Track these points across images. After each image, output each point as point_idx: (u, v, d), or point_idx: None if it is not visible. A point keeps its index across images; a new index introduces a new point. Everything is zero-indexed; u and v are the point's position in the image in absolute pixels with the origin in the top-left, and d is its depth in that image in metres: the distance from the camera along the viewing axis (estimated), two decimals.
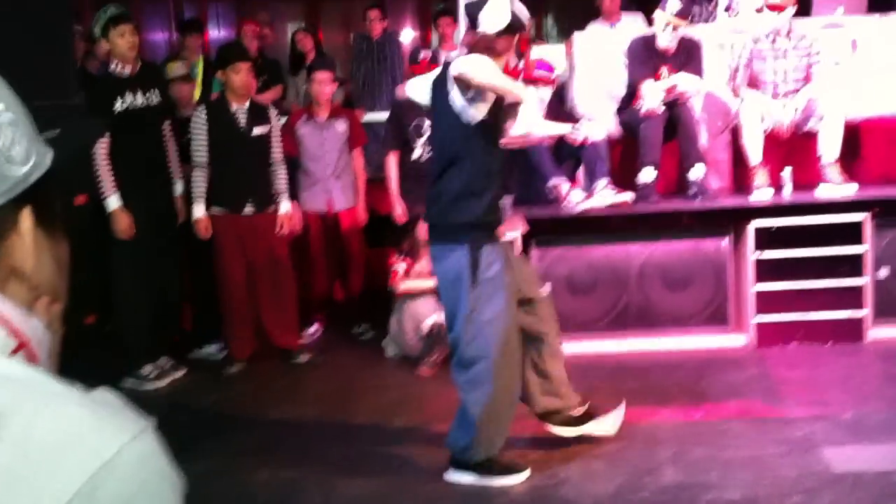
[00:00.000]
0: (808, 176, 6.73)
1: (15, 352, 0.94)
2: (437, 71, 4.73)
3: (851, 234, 6.23)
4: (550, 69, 6.82)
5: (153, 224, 6.17)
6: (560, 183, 6.53)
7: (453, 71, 4.22)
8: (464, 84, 4.20)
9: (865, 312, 6.25)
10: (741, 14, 7.87)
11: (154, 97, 6.27)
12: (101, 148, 5.95)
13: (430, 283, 5.87)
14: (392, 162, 6.99)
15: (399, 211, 6.95)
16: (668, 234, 6.46)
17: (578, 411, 4.73)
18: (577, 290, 6.46)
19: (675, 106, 6.74)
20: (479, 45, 4.32)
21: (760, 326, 6.27)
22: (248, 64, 6.47)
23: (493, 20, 4.29)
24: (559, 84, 7.35)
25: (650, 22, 7.33)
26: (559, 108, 7.02)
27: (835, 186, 6.55)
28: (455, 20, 8.56)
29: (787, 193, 6.67)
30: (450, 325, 4.48)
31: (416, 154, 6.91)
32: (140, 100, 6.16)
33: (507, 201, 5.99)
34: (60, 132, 1.06)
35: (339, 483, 4.53)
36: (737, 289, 6.45)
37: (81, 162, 5.72)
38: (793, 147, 6.90)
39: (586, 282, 6.47)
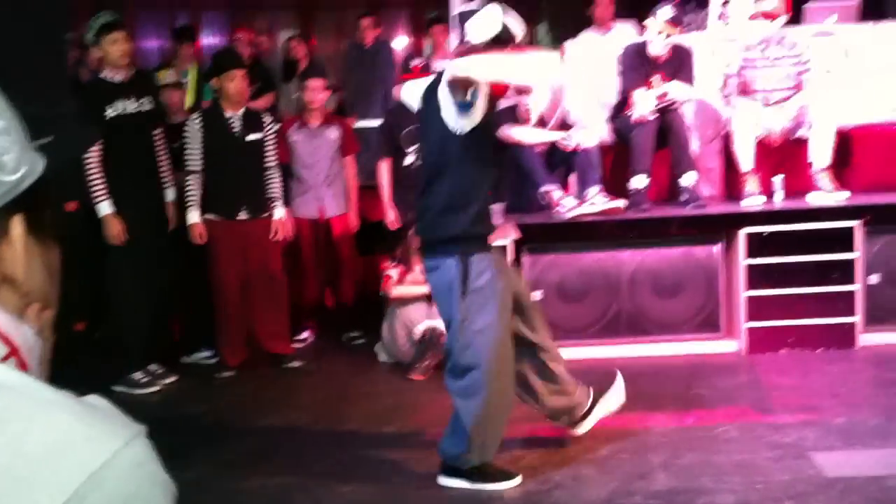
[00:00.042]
0: (800, 183, 6.75)
1: (5, 359, 0.93)
2: (431, 77, 4.71)
3: (842, 240, 6.24)
4: None
5: (145, 230, 6.16)
6: (552, 189, 6.53)
7: (448, 76, 4.19)
8: (462, 87, 4.13)
9: (857, 319, 6.26)
10: (733, 22, 7.89)
11: (146, 104, 6.27)
12: (93, 154, 5.95)
13: (422, 288, 5.88)
14: (384, 169, 7.00)
15: (391, 217, 6.96)
16: (659, 240, 6.47)
17: (585, 406, 4.73)
18: (569, 296, 6.47)
19: (666, 113, 6.76)
20: (468, 55, 4.29)
21: (752, 332, 6.28)
22: (242, 71, 6.48)
23: (480, 30, 4.26)
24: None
25: (642, 30, 7.35)
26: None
27: (826, 193, 6.56)
28: (448, 28, 8.57)
29: (779, 200, 6.69)
30: (447, 328, 4.51)
31: (408, 161, 6.92)
32: (132, 107, 6.17)
33: (497, 208, 6.00)
34: (52, 139, 1.06)
35: (331, 489, 4.52)
36: (728, 295, 6.46)
37: (73, 169, 5.71)
38: (784, 154, 6.93)
39: (578, 288, 6.48)
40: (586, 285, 6.47)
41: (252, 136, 6.46)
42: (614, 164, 7.17)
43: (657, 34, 6.84)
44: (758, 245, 6.27)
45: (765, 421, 5.00)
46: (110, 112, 6.08)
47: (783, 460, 4.46)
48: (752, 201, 6.62)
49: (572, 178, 6.94)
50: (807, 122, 6.75)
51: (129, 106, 6.15)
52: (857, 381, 5.75)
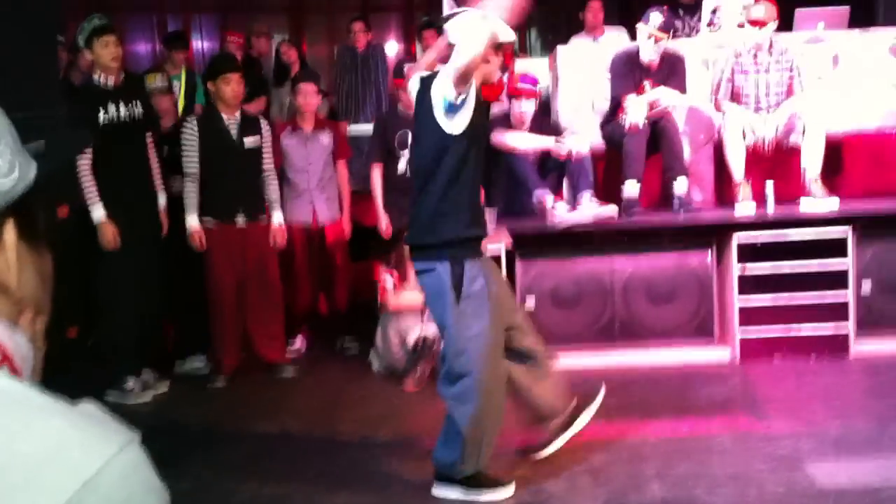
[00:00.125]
0: (791, 190, 6.77)
1: None
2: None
3: (834, 248, 6.26)
4: (534, 82, 6.84)
5: (137, 236, 6.14)
6: (544, 196, 6.53)
7: (443, 79, 4.17)
8: (464, 80, 4.11)
9: (849, 327, 6.28)
10: (723, 29, 7.91)
11: (137, 109, 6.25)
12: (85, 159, 5.93)
13: (420, 298, 5.87)
14: (377, 174, 7.00)
15: (384, 223, 6.95)
16: (652, 247, 6.48)
17: (563, 417, 4.72)
18: (562, 303, 6.47)
19: (658, 120, 6.78)
20: (446, 52, 4.28)
21: (744, 340, 6.29)
22: (237, 75, 6.47)
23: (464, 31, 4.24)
24: (543, 97, 7.38)
25: (633, 36, 7.36)
26: (543, 121, 7.04)
27: (817, 201, 6.58)
28: (440, 33, 8.57)
29: (770, 207, 6.71)
30: (440, 334, 4.51)
31: (400, 166, 6.92)
32: (123, 111, 6.14)
33: (490, 215, 6.00)
34: (45, 144, 1.05)
35: (324, 497, 4.51)
36: (721, 302, 6.47)
37: (64, 173, 5.69)
38: (775, 161, 6.95)
39: (571, 295, 6.48)
40: (579, 292, 6.47)
41: (249, 141, 6.46)
42: (606, 170, 7.18)
43: (647, 40, 6.86)
44: (750, 252, 6.28)
45: (758, 431, 5.01)
46: (102, 116, 6.06)
47: (777, 471, 4.46)
48: (744, 208, 6.63)
49: (564, 185, 6.95)
50: (798, 128, 6.76)
51: (120, 111, 6.13)
52: (851, 389, 5.77)
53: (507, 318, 4.49)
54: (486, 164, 4.63)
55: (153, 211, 6.35)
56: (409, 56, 10.85)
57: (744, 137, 6.84)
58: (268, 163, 6.58)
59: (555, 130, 6.87)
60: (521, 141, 6.65)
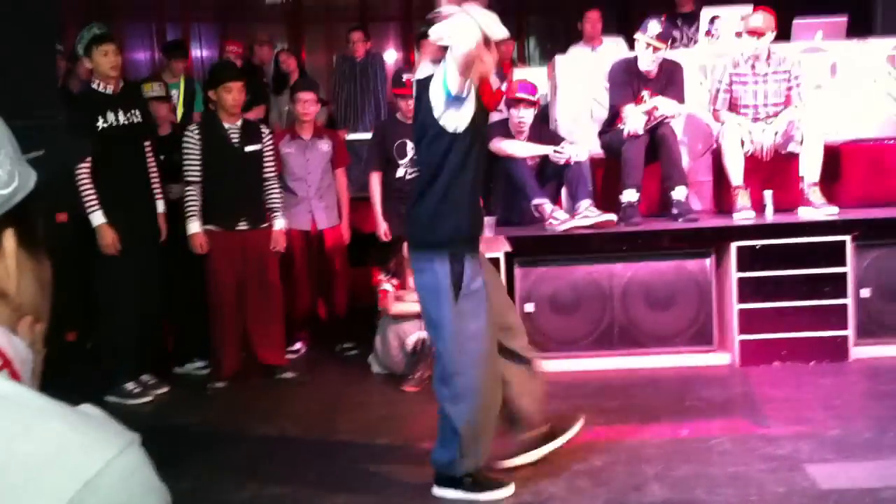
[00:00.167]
0: (790, 198, 6.79)
1: None
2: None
3: (833, 254, 6.27)
4: (533, 91, 6.86)
5: (136, 241, 6.15)
6: (543, 203, 6.55)
7: (445, 73, 4.15)
8: (462, 70, 4.08)
9: (849, 332, 6.28)
10: (721, 38, 7.95)
11: (135, 116, 6.27)
12: (84, 166, 5.94)
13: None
14: (375, 181, 7.01)
15: (383, 229, 6.97)
16: (651, 254, 6.48)
17: (534, 435, 4.70)
18: (561, 309, 6.47)
19: (657, 128, 6.80)
20: (438, 55, 4.29)
21: (744, 345, 6.29)
22: (239, 83, 6.48)
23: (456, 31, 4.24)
24: (542, 106, 7.41)
25: (632, 46, 7.39)
26: (542, 129, 7.06)
27: (816, 208, 6.60)
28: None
29: (769, 215, 6.72)
30: (433, 338, 4.47)
31: (399, 173, 6.93)
32: (122, 119, 6.16)
33: (488, 222, 6.00)
34: (44, 152, 1.06)
35: (324, 499, 4.50)
36: (720, 308, 6.48)
37: (63, 180, 5.70)
38: (774, 169, 6.97)
39: (570, 301, 6.48)
40: (578, 298, 6.48)
41: (251, 147, 6.48)
42: (605, 178, 7.20)
43: (646, 49, 6.89)
44: (749, 258, 6.29)
45: (758, 433, 5.01)
46: (101, 123, 6.08)
47: (777, 472, 4.46)
48: (743, 216, 6.65)
49: (563, 193, 6.97)
50: (796, 137, 6.79)
51: (119, 118, 6.15)
52: (851, 393, 5.77)
53: (502, 318, 4.49)
54: (487, 162, 4.62)
55: (152, 216, 6.36)
56: (407, 65, 10.88)
57: (742, 146, 6.86)
58: (269, 169, 6.60)
59: (553, 139, 6.89)
60: (520, 149, 6.67)
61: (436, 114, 4.23)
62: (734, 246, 6.28)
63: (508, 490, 4.41)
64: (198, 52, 12.37)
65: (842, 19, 7.81)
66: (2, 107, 1.01)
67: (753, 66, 7.00)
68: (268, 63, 9.99)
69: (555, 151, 6.64)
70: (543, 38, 13.54)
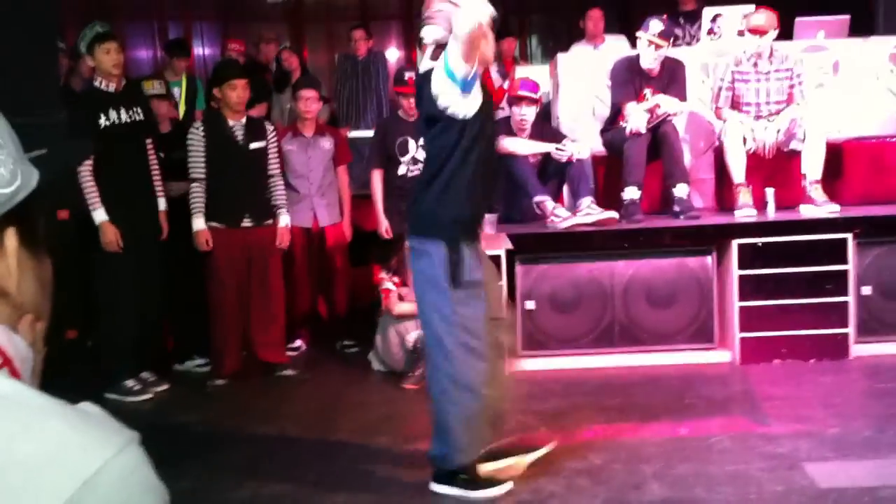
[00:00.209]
0: (791, 196, 6.79)
1: None
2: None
3: (835, 252, 6.27)
4: (535, 89, 6.86)
5: (137, 239, 6.16)
6: (545, 200, 6.55)
7: (449, 59, 4.11)
8: (468, 52, 4.04)
9: (849, 329, 6.28)
10: (724, 37, 7.93)
11: (137, 114, 6.27)
12: (86, 164, 5.95)
13: None
14: (377, 179, 7.01)
15: (384, 227, 6.97)
16: (652, 251, 6.48)
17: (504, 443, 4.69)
18: (562, 306, 6.47)
19: (659, 126, 6.80)
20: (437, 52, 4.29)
21: (744, 343, 6.29)
22: (244, 81, 6.49)
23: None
24: (544, 104, 7.41)
25: (634, 44, 7.39)
26: (544, 127, 7.06)
27: (817, 206, 6.60)
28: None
29: (771, 212, 6.72)
30: (425, 323, 4.44)
31: (400, 171, 6.93)
32: (124, 117, 6.17)
33: (490, 218, 6.00)
34: (47, 152, 1.06)
35: (323, 498, 4.50)
36: (721, 306, 6.47)
37: (66, 180, 5.70)
38: (775, 167, 6.96)
39: (571, 298, 6.48)
40: (579, 295, 6.48)
41: (255, 145, 6.49)
42: (606, 176, 7.20)
43: (647, 47, 6.88)
44: (750, 256, 6.28)
45: (758, 431, 5.01)
46: (103, 121, 6.09)
47: (776, 471, 4.45)
48: (745, 213, 6.65)
49: (565, 190, 6.97)
50: (798, 135, 6.78)
51: (121, 116, 6.15)
52: (850, 391, 5.77)
53: (493, 310, 4.49)
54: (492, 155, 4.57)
55: (154, 213, 6.37)
56: (409, 63, 10.89)
57: (744, 144, 6.85)
58: (274, 166, 6.60)
59: (555, 136, 6.89)
60: (522, 146, 6.68)
61: (442, 103, 4.19)
62: (735, 243, 6.27)
63: (505, 488, 4.40)
64: (200, 51, 12.36)
65: (844, 18, 7.80)
66: (3, 105, 1.01)
67: (756, 65, 6.99)
68: (272, 61, 10.00)
69: (556, 149, 6.64)
70: (545, 37, 13.54)
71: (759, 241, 6.28)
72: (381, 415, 5.71)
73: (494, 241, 6.14)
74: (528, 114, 6.77)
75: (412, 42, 11.97)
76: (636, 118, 6.78)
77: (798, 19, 7.75)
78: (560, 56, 8.01)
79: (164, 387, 6.37)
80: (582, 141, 6.86)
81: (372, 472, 4.79)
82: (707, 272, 6.48)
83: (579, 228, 6.42)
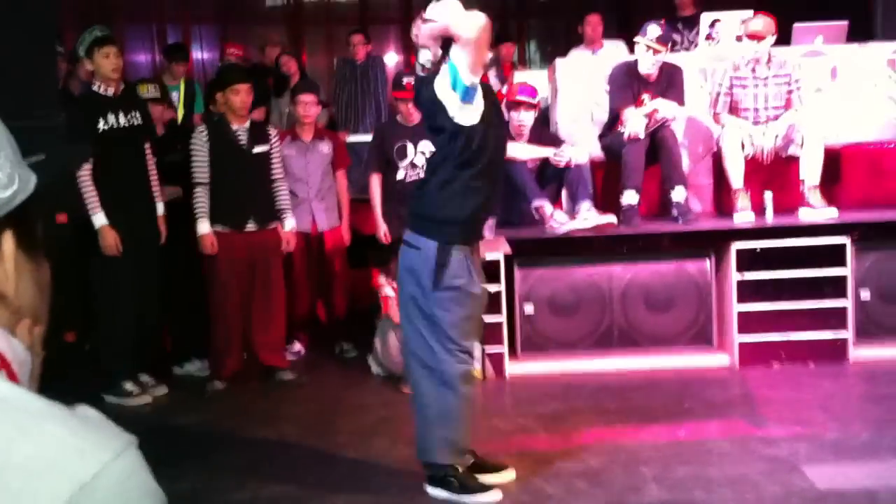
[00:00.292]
0: (790, 200, 6.80)
1: None
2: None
3: (833, 256, 6.28)
4: (533, 93, 6.86)
5: (136, 243, 6.15)
6: (543, 204, 6.55)
7: (457, 64, 4.10)
8: (473, 55, 4.05)
9: (848, 334, 6.28)
10: (722, 42, 7.96)
11: (136, 118, 6.27)
12: (85, 169, 5.95)
13: None
14: (375, 183, 7.00)
15: (383, 231, 6.97)
16: (651, 255, 6.49)
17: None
18: (561, 310, 6.48)
19: (657, 131, 6.81)
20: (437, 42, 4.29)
21: (743, 346, 6.29)
22: (247, 85, 6.49)
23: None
24: (542, 108, 7.41)
25: (632, 49, 7.40)
26: (543, 131, 7.07)
27: (816, 210, 6.61)
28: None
29: (769, 217, 6.73)
30: (402, 317, 4.46)
31: (399, 175, 6.93)
32: (122, 121, 6.16)
33: (489, 222, 6.00)
34: (46, 157, 1.06)
35: (322, 500, 4.49)
36: (720, 309, 6.49)
37: (64, 184, 5.70)
38: (774, 172, 6.97)
39: (569, 302, 6.49)
40: (578, 299, 6.49)
41: (259, 149, 6.49)
42: (605, 180, 7.21)
43: (646, 52, 6.90)
44: (749, 260, 6.29)
45: (757, 434, 5.01)
46: (102, 125, 6.08)
47: (775, 474, 4.46)
48: (743, 218, 6.66)
49: (563, 195, 6.97)
50: (796, 140, 6.80)
51: (119, 120, 6.15)
52: (849, 395, 5.78)
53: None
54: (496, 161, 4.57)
55: (152, 217, 6.36)
56: (408, 68, 10.89)
57: (742, 149, 6.86)
58: (277, 170, 6.61)
59: (554, 141, 6.89)
60: (520, 151, 6.68)
61: (451, 112, 4.19)
62: (734, 247, 6.28)
63: (497, 493, 4.40)
64: (198, 55, 12.38)
65: (842, 24, 7.82)
66: (2, 106, 1.01)
67: (754, 70, 7.01)
68: (271, 62, 10.01)
69: (555, 154, 6.64)
70: (544, 41, 13.57)
71: (758, 245, 6.29)
72: (379, 418, 5.71)
73: (493, 245, 6.15)
74: (526, 119, 6.78)
75: (411, 47, 11.98)
76: (634, 123, 6.79)
77: (796, 25, 7.77)
78: (558, 61, 8.03)
79: (163, 390, 6.36)
80: (580, 145, 6.86)
81: (371, 475, 4.79)
82: (705, 276, 6.50)
83: (578, 232, 6.43)
